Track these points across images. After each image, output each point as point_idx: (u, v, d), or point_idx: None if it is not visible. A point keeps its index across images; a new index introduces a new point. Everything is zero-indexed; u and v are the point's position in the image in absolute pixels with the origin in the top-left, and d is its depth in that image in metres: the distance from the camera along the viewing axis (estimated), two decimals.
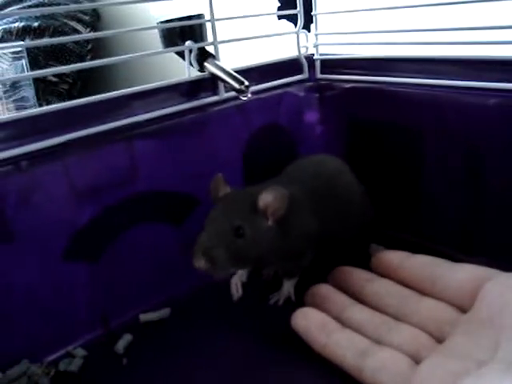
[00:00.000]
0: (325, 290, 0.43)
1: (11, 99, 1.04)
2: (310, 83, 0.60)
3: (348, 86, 0.57)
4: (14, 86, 1.04)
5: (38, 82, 1.12)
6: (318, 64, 0.60)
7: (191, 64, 0.51)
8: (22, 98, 1.05)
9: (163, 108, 0.48)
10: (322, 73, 0.60)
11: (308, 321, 0.39)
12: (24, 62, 1.03)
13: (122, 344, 0.44)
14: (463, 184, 0.48)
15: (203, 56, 0.51)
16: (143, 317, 0.47)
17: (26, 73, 0.95)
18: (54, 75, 1.14)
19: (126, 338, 0.44)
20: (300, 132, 0.59)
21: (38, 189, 0.42)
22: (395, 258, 0.44)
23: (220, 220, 0.40)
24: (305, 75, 0.59)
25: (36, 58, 1.12)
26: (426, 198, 0.52)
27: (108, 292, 0.46)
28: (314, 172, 0.48)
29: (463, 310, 0.36)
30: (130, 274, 0.47)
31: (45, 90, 1.13)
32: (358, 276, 0.44)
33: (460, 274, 0.38)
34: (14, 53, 1.02)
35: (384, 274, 0.43)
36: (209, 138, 0.51)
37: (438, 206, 0.51)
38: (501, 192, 0.45)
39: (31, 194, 0.41)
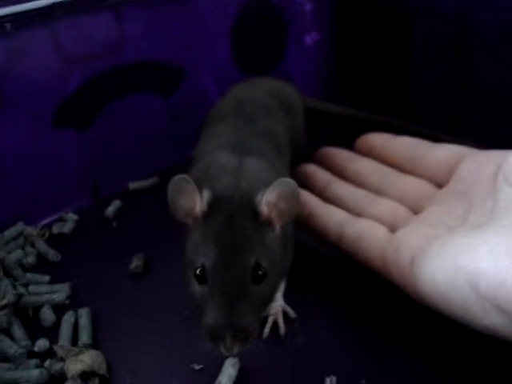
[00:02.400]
0: (310, 168, 0.44)
1: None
2: None
3: None
4: None
5: None
6: None
7: None
8: None
9: None
10: None
11: None
12: None
13: (111, 209, 0.46)
14: (451, 64, 0.47)
15: None
16: (132, 185, 0.48)
17: None
18: None
19: (116, 204, 0.46)
20: (290, 10, 0.57)
21: (26, 53, 0.41)
22: (378, 140, 0.44)
23: (230, 270, 0.26)
24: None
25: None
26: (414, 80, 0.51)
27: (98, 160, 0.47)
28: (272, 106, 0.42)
29: (441, 186, 0.38)
30: (120, 143, 0.48)
31: None
32: (342, 156, 0.45)
33: (439, 153, 0.39)
34: None
35: (367, 155, 0.44)
36: (197, 9, 0.50)
37: (425, 88, 0.51)
38: (487, 75, 0.45)
39: (19, 57, 0.41)
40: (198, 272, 0.27)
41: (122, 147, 0.48)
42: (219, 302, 0.26)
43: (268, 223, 0.28)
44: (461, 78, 0.47)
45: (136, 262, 0.39)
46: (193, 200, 0.28)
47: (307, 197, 0.40)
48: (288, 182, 0.28)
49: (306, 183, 0.43)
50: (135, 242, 0.42)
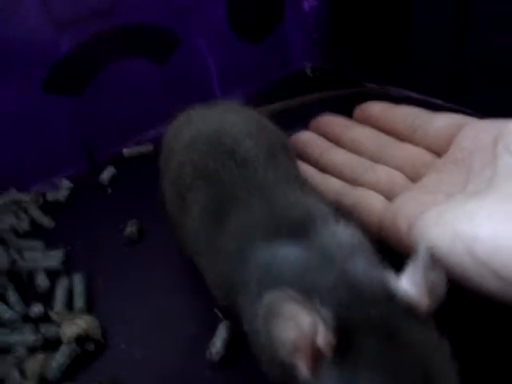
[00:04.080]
0: (306, 136, 0.44)
1: None
2: None
3: None
4: None
5: None
6: None
7: None
8: None
9: None
10: None
11: None
12: None
13: (106, 175, 0.45)
14: (450, 31, 0.46)
15: None
16: (127, 151, 0.48)
17: None
18: None
19: (110, 171, 0.46)
20: None
21: (14, 14, 0.40)
22: (377, 108, 0.44)
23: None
24: None
25: None
26: (413, 45, 0.50)
27: (91, 126, 0.47)
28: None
29: (440, 155, 0.37)
30: (114, 109, 0.47)
31: None
32: (339, 123, 0.44)
33: (439, 122, 0.38)
34: None
35: (366, 123, 0.43)
36: None
37: (424, 53, 0.50)
38: (487, 41, 0.44)
39: (7, 20, 0.39)
40: None
41: (117, 113, 0.47)
42: None
43: (424, 313, 0.20)
44: (460, 44, 0.46)
45: (130, 228, 0.39)
46: (306, 327, 0.19)
47: (302, 166, 0.40)
48: (429, 248, 0.20)
49: (302, 151, 0.42)
50: (130, 208, 0.41)
